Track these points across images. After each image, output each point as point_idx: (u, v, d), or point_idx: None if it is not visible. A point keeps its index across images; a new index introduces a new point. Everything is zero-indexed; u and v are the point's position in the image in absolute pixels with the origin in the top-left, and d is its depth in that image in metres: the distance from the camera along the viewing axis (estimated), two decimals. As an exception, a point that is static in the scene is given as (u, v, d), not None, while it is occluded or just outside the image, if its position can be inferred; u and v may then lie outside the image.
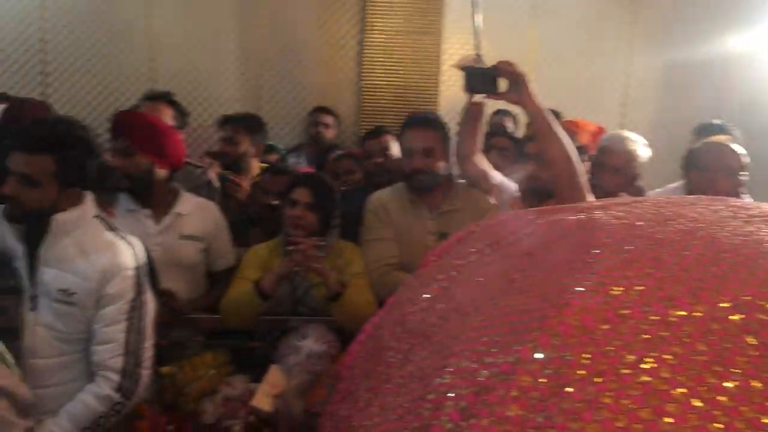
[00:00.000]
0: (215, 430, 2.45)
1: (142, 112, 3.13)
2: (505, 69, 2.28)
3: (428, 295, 1.58)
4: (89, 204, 2.16)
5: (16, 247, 2.13)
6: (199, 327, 2.78)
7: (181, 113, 3.57)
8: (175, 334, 2.68)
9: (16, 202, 2.04)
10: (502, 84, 2.31)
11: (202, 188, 3.24)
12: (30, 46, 5.11)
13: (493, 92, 2.32)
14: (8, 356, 1.57)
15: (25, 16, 5.07)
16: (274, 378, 2.50)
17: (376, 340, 1.64)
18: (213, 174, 3.49)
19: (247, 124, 3.77)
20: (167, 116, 3.39)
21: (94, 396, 2.08)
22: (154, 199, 2.75)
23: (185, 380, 2.52)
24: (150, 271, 2.26)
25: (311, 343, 2.50)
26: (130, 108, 3.99)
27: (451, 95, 5.22)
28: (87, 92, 5.17)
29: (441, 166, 2.80)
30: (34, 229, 2.11)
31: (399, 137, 2.96)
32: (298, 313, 2.71)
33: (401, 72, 5.12)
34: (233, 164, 3.70)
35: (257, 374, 2.57)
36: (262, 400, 2.45)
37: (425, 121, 2.83)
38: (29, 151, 2.03)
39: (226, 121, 3.85)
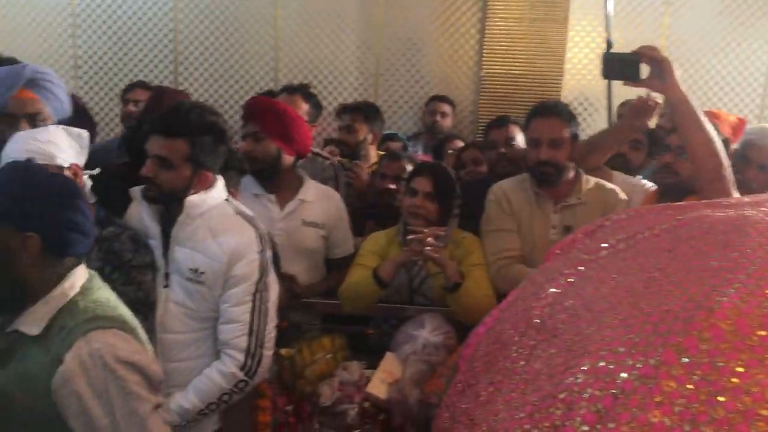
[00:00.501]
0: (331, 413, 2.49)
1: (272, 98, 3.21)
2: (648, 54, 2.16)
3: (555, 290, 1.52)
4: (220, 187, 2.24)
5: (152, 227, 2.23)
6: (317, 311, 2.84)
7: (316, 107, 3.64)
8: (293, 318, 2.74)
9: (153, 183, 2.14)
10: (644, 71, 2.19)
11: (330, 179, 3.29)
12: (163, 36, 5.38)
13: (634, 79, 2.21)
14: (141, 333, 1.64)
15: (159, 8, 5.34)
16: (390, 366, 2.51)
17: (498, 333, 1.60)
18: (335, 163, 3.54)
19: (365, 112, 3.80)
20: (302, 109, 3.46)
21: (219, 373, 2.16)
22: (279, 184, 2.81)
23: (303, 363, 2.57)
24: (273, 255, 2.31)
25: (427, 333, 2.49)
26: (260, 94, 4.11)
27: (575, 84, 5.06)
28: (214, 80, 5.38)
29: (568, 157, 2.70)
30: (169, 209, 2.21)
31: (525, 126, 2.88)
32: (415, 302, 2.71)
33: (523, 60, 5.00)
34: (351, 152, 3.73)
35: (372, 361, 2.59)
36: (378, 387, 2.46)
37: (554, 110, 2.73)
38: (166, 135, 2.12)
39: (344, 110, 3.89)
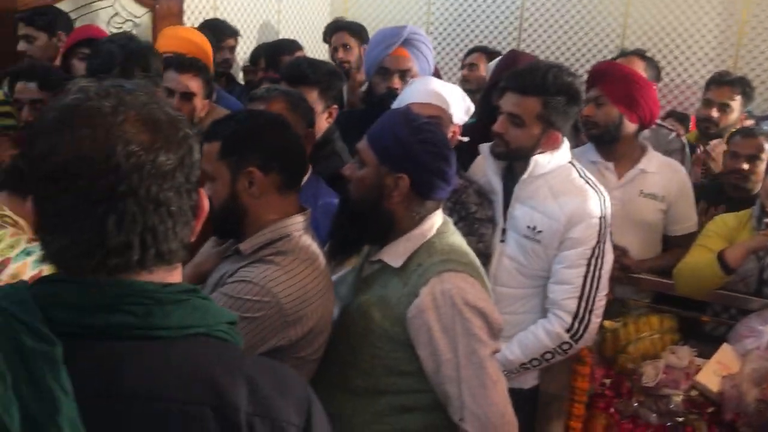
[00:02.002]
0: (653, 395, 2.39)
1: (620, 63, 3.10)
2: None
3: None
4: (566, 149, 2.24)
5: (495, 183, 2.32)
6: (646, 288, 2.71)
7: (654, 68, 3.42)
8: (619, 291, 2.66)
9: (502, 139, 2.22)
10: None
11: (674, 153, 3.08)
12: (510, 2, 5.49)
13: None
14: (487, 281, 1.73)
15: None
16: (726, 358, 2.32)
17: None
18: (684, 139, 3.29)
19: (744, 88, 3.37)
20: (638, 68, 3.27)
21: (545, 331, 2.19)
22: (619, 152, 2.71)
23: (627, 338, 2.50)
24: (608, 224, 2.26)
25: (777, 330, 2.24)
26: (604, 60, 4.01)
27: None
28: (557, 47, 5.36)
29: None
30: (513, 167, 2.28)
31: None
32: (764, 294, 2.44)
33: None
34: (716, 132, 3.37)
35: (704, 349, 2.43)
36: (710, 378, 2.30)
37: None
38: (520, 92, 2.18)
39: (721, 82, 3.39)
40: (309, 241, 1.63)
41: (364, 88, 3.50)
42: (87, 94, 0.84)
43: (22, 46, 3.09)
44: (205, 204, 0.93)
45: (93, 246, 0.81)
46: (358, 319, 1.71)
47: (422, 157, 1.65)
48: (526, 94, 2.16)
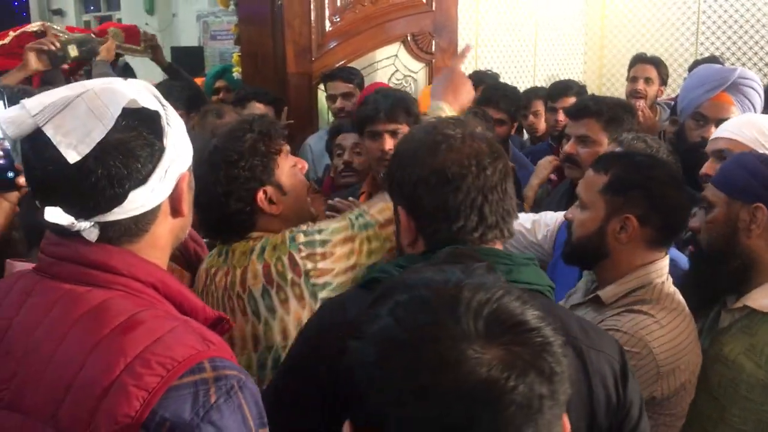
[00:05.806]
0: None
1: None
2: None
3: None
4: None
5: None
6: None
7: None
8: None
9: None
10: None
11: None
12: (687, 8, 5.37)
13: None
14: None
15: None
16: None
17: None
18: None
19: None
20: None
21: None
22: None
23: None
24: None
25: None
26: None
27: None
28: (737, 59, 5.07)
29: None
30: None
31: None
32: None
33: None
34: None
35: None
36: None
37: None
38: None
39: None
40: (673, 289, 1.55)
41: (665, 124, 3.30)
42: (437, 126, 1.17)
43: (340, 103, 3.25)
44: None
45: (477, 225, 1.12)
46: (723, 371, 1.58)
47: None
48: None
